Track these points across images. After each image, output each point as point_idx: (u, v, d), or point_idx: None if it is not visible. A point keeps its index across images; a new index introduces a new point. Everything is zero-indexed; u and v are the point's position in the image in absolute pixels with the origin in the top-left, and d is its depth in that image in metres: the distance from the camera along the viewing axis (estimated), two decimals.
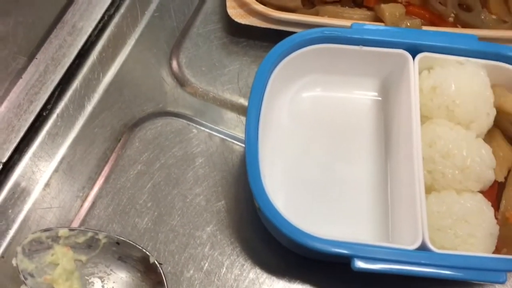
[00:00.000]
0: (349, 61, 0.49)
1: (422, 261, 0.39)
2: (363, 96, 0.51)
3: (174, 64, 0.55)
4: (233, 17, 0.54)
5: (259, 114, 0.44)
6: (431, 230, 0.43)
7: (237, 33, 0.56)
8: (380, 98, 0.51)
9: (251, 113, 0.44)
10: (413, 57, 0.47)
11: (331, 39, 0.47)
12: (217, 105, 0.53)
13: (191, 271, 0.46)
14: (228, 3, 0.54)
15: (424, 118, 0.47)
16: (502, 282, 0.39)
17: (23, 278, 0.42)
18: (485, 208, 0.44)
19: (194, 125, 0.52)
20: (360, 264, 0.39)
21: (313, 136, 0.50)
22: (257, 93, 0.44)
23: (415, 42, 0.47)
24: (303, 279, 0.46)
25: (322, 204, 0.47)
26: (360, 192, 0.47)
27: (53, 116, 0.51)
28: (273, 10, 0.53)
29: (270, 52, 0.46)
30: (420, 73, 0.48)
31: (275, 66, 0.46)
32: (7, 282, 0.45)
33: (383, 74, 0.50)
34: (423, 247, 0.41)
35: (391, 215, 0.46)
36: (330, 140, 0.49)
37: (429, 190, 0.45)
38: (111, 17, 0.55)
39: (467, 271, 0.39)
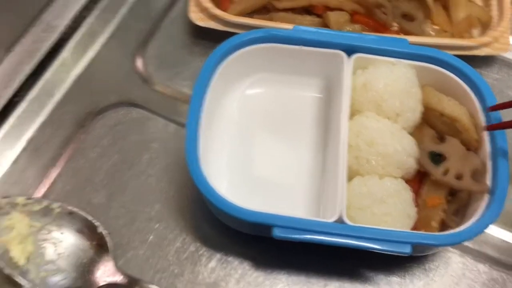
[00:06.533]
0: (292, 61, 0.54)
1: (336, 232, 0.43)
2: (306, 93, 0.56)
3: (139, 62, 0.60)
4: (193, 20, 0.59)
5: (201, 103, 0.48)
6: (353, 210, 0.47)
7: (199, 35, 0.61)
8: (321, 96, 0.56)
9: (193, 103, 0.48)
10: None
11: (274, 38, 0.52)
12: (175, 99, 0.58)
13: (136, 242, 0.50)
14: (190, 8, 0.59)
15: (356, 112, 0.51)
16: (407, 253, 0.43)
17: None
18: (403, 190, 0.48)
19: (153, 115, 0.57)
20: (278, 233, 0.43)
21: (259, 129, 0.54)
22: (201, 83, 0.49)
23: (352, 44, 0.52)
24: (238, 252, 0.50)
25: (264, 187, 0.51)
26: (299, 177, 0.52)
27: (25, 102, 0.56)
28: (230, 15, 0.58)
29: (217, 48, 0.51)
30: (355, 72, 0.52)
31: (222, 61, 0.51)
32: None
33: (324, 73, 0.54)
34: (340, 222, 0.45)
35: (322, 196, 0.50)
36: (275, 132, 0.54)
37: (355, 174, 0.49)
38: (84, 18, 0.61)
39: (375, 241, 0.43)
